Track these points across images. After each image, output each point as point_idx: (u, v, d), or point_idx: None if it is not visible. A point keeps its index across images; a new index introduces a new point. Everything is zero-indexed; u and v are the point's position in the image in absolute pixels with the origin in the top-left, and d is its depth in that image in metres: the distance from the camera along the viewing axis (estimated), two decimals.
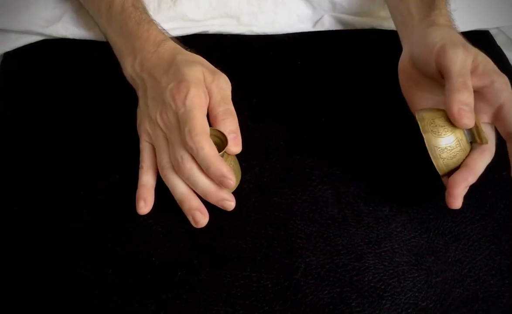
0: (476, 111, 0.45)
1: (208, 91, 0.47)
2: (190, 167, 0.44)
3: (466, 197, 0.50)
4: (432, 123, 0.47)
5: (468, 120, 0.44)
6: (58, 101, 0.56)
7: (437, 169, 0.46)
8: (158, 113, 0.47)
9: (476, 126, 0.45)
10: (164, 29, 0.53)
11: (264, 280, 0.44)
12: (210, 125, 0.46)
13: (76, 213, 0.47)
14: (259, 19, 0.64)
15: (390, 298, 0.43)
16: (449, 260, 0.46)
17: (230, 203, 0.46)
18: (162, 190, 0.49)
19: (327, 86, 0.59)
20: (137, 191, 0.47)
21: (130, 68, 0.51)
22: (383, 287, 0.44)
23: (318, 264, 0.45)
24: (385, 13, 0.65)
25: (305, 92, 0.59)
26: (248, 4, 0.63)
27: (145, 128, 0.48)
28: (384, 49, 0.63)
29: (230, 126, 0.47)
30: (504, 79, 0.45)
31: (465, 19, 0.66)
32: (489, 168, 0.53)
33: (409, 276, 0.45)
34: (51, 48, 0.60)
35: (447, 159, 0.46)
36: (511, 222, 0.49)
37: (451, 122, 0.45)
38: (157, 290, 0.43)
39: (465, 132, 0.46)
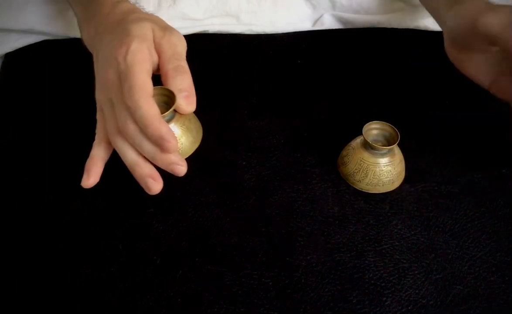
0: None
1: (158, 48, 0.43)
2: (134, 128, 0.41)
3: (465, 195, 0.50)
4: (341, 157, 0.51)
5: None
6: (58, 101, 0.56)
7: (366, 191, 0.49)
8: (102, 74, 0.43)
9: (366, 137, 0.48)
10: None
11: (265, 278, 0.44)
12: (162, 84, 0.43)
13: (77, 212, 0.47)
14: (259, 18, 0.64)
15: (390, 295, 0.43)
16: (449, 257, 0.46)
17: (180, 168, 0.42)
18: (162, 190, 0.49)
19: (327, 85, 0.59)
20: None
21: (86, 34, 0.48)
22: (383, 284, 0.44)
23: (318, 262, 0.45)
24: (384, 11, 0.65)
25: (305, 91, 0.59)
26: (248, 2, 0.63)
27: (96, 96, 0.45)
28: (384, 47, 0.63)
29: (181, 83, 0.43)
30: None
31: None
32: (489, 165, 0.53)
33: (410, 273, 0.45)
34: (52, 48, 0.61)
35: (364, 179, 0.49)
36: (511, 219, 0.49)
37: (355, 147, 0.49)
38: (158, 288, 0.43)
39: (368, 147, 0.49)
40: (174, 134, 0.40)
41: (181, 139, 0.45)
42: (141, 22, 0.43)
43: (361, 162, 0.48)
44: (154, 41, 0.43)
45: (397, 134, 0.49)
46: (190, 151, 0.44)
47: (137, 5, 0.49)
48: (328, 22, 0.65)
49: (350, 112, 0.57)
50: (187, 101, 0.43)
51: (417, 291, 0.44)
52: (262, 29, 0.64)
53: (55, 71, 0.59)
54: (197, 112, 0.47)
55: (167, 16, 0.60)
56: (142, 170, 0.42)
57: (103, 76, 0.43)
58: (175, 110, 0.43)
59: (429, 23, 0.66)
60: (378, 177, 0.49)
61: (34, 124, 0.54)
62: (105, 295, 0.42)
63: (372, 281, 0.44)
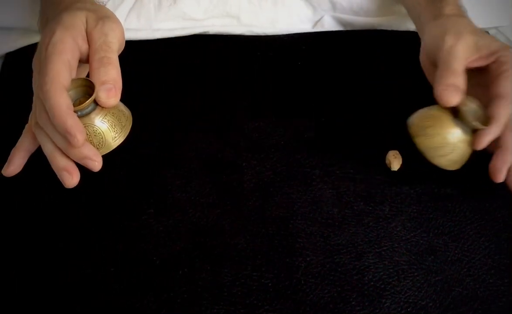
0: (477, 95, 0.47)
1: (88, 38, 0.42)
2: (46, 119, 0.40)
3: (465, 197, 0.51)
4: (421, 127, 0.48)
5: (450, 98, 0.45)
6: None
7: (443, 167, 0.46)
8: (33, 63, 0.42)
9: (462, 112, 0.46)
10: None
11: (264, 279, 0.44)
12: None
13: (77, 212, 0.47)
14: (259, 19, 0.64)
15: (390, 297, 0.44)
16: (449, 259, 0.46)
17: (93, 163, 0.41)
18: (162, 190, 0.49)
19: (327, 86, 0.59)
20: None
21: (39, 24, 0.47)
22: (383, 286, 0.44)
23: (318, 263, 0.45)
24: (384, 13, 0.65)
25: (305, 92, 0.59)
26: (248, 3, 0.63)
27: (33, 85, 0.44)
28: (384, 49, 0.63)
29: (105, 75, 0.41)
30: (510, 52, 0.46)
31: None
32: (488, 167, 0.53)
33: (409, 275, 0.45)
34: None
35: (449, 154, 0.47)
36: (510, 221, 0.49)
37: (441, 119, 0.46)
38: (158, 289, 0.43)
39: (458, 122, 0.47)
40: (82, 128, 0.39)
41: (101, 133, 0.43)
42: (74, 11, 0.42)
43: (450, 137, 0.46)
44: (86, 31, 0.42)
45: (484, 113, 0.46)
46: (112, 146, 0.43)
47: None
48: (328, 24, 0.65)
49: (350, 113, 0.57)
50: (108, 94, 0.41)
51: (416, 293, 0.44)
52: (262, 30, 0.64)
53: None
54: (198, 112, 0.47)
55: (168, 16, 0.61)
56: (57, 163, 0.41)
57: (32, 65, 0.42)
58: (96, 103, 0.42)
59: None
60: (461, 156, 0.48)
61: None
62: (104, 296, 0.42)
63: (372, 283, 0.44)
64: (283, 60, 0.62)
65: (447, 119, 0.47)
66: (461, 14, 0.52)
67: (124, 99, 0.56)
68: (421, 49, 0.53)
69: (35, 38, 0.61)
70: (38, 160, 0.51)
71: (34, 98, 0.43)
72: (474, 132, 0.47)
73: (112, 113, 0.43)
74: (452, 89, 0.45)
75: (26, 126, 0.44)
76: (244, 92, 0.58)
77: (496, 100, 0.46)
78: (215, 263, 0.45)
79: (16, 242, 0.46)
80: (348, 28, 0.66)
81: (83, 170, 0.50)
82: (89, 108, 0.41)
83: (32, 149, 0.44)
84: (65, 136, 0.39)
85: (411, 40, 0.63)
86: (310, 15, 0.65)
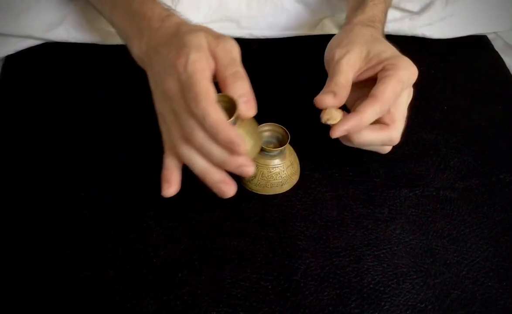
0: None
1: (214, 56, 0.44)
2: (202, 136, 0.41)
3: (464, 200, 0.51)
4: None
5: (323, 100, 0.47)
6: (59, 103, 0.56)
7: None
8: (161, 86, 0.44)
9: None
10: (168, 6, 0.50)
11: (264, 281, 0.44)
12: (219, 91, 0.43)
13: (77, 214, 0.47)
14: (259, 23, 0.64)
15: (389, 299, 0.44)
16: (448, 262, 0.46)
17: (248, 169, 0.42)
18: (160, 191, 0.49)
19: None
20: (161, 174, 0.44)
21: (137, 49, 0.49)
22: (382, 288, 0.44)
23: (317, 266, 0.45)
24: None
25: (304, 95, 0.59)
26: (248, 7, 0.64)
27: (157, 108, 0.45)
28: None
29: (241, 89, 0.43)
30: (398, 60, 0.47)
31: (463, 24, 0.67)
32: (487, 170, 0.53)
33: (408, 278, 0.45)
34: (53, 51, 0.61)
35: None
36: (509, 224, 0.49)
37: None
38: (158, 291, 0.43)
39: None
40: (242, 137, 0.41)
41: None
42: (195, 33, 0.44)
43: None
44: (209, 49, 0.44)
45: (288, 136, 0.48)
46: (252, 155, 0.45)
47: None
48: (328, 27, 0.66)
49: None
50: (247, 106, 0.43)
51: (415, 296, 0.44)
52: (261, 34, 0.64)
53: (55, 74, 0.59)
54: None
55: None
56: (214, 177, 0.43)
57: (163, 87, 0.43)
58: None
59: (426, 31, 0.67)
60: (266, 179, 0.49)
61: (34, 125, 0.54)
62: (104, 297, 0.43)
63: (371, 285, 0.44)
64: (283, 63, 0.62)
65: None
66: (369, 23, 0.53)
67: (125, 102, 0.56)
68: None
69: (35, 41, 0.61)
70: (38, 163, 0.51)
71: (168, 119, 0.44)
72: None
73: (249, 123, 0.45)
74: (327, 92, 0.46)
75: (166, 148, 0.45)
76: None
77: (367, 99, 0.46)
78: (215, 266, 0.45)
79: (17, 244, 0.46)
80: None
81: (83, 173, 0.51)
82: (233, 121, 0.43)
83: (181, 166, 0.45)
84: (230, 147, 0.40)
85: (408, 45, 0.63)
86: (309, 19, 0.66)
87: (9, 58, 0.62)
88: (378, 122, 0.47)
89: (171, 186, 0.43)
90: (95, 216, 0.47)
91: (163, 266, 0.44)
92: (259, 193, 0.49)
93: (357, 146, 0.49)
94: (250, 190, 0.50)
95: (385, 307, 0.43)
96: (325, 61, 0.52)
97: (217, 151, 0.42)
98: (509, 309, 0.44)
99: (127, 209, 0.48)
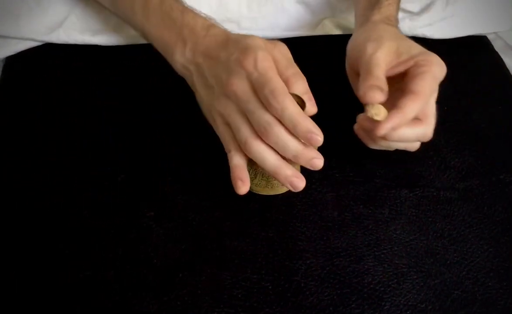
0: None
1: (272, 58, 0.46)
2: (278, 130, 0.43)
3: (464, 201, 0.51)
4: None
5: (374, 95, 0.46)
6: (59, 104, 0.57)
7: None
8: (225, 88, 0.45)
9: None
10: (207, 15, 0.52)
11: (264, 282, 0.44)
12: None
13: (77, 215, 0.47)
14: (259, 24, 0.64)
15: (389, 300, 0.44)
16: (448, 262, 0.46)
17: (320, 161, 0.44)
18: (162, 193, 0.49)
19: (327, 90, 0.60)
20: (231, 174, 0.45)
21: (180, 57, 0.50)
22: (382, 289, 0.44)
23: (318, 266, 0.45)
24: None
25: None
26: (248, 8, 0.64)
27: (217, 110, 0.47)
28: None
29: (303, 87, 0.46)
30: (430, 56, 0.48)
31: (463, 25, 0.67)
32: (487, 171, 0.53)
33: (408, 278, 0.45)
34: (53, 52, 0.61)
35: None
36: (509, 225, 0.49)
37: None
38: (158, 292, 0.43)
39: None
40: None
41: None
42: (252, 37, 0.46)
43: (252, 162, 0.47)
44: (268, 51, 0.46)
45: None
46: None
47: None
48: (328, 28, 0.66)
49: (349, 117, 0.57)
50: (311, 102, 0.46)
51: (416, 296, 0.44)
52: (262, 34, 0.64)
53: (55, 75, 0.59)
54: (198, 115, 0.48)
55: None
56: (286, 172, 0.44)
57: (227, 89, 0.45)
58: None
59: (427, 31, 0.67)
60: (267, 179, 0.49)
61: (34, 126, 0.54)
62: (104, 298, 0.43)
63: (371, 286, 0.44)
64: None
65: None
66: (388, 22, 0.53)
67: (125, 101, 0.56)
68: (346, 58, 0.54)
69: (35, 43, 0.61)
70: (38, 163, 0.51)
71: (234, 120, 0.45)
72: None
73: None
74: (375, 88, 0.46)
75: (232, 148, 0.46)
76: None
77: (406, 95, 0.46)
78: (215, 266, 0.45)
79: (17, 244, 0.46)
80: (348, 32, 0.66)
81: (83, 173, 0.51)
82: None
83: (246, 164, 0.46)
84: (309, 137, 0.42)
85: None
86: (309, 20, 0.66)
87: (9, 59, 0.62)
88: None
89: (245, 183, 0.45)
90: (95, 216, 0.47)
91: (164, 266, 0.44)
92: (259, 193, 0.49)
93: (387, 146, 0.49)
94: (250, 190, 0.50)
95: (386, 307, 0.43)
96: (350, 58, 0.53)
97: (293, 144, 0.43)
98: (510, 309, 0.44)
99: (127, 209, 0.48)
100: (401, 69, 0.48)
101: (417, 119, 0.47)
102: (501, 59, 0.68)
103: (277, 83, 0.43)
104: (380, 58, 0.48)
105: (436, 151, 0.55)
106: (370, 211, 0.49)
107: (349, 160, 0.53)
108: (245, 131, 0.44)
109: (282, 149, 0.43)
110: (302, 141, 0.43)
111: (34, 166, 0.51)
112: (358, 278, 0.45)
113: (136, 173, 0.50)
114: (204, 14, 0.52)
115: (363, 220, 0.48)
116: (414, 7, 0.66)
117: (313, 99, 0.46)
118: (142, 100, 0.56)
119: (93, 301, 0.42)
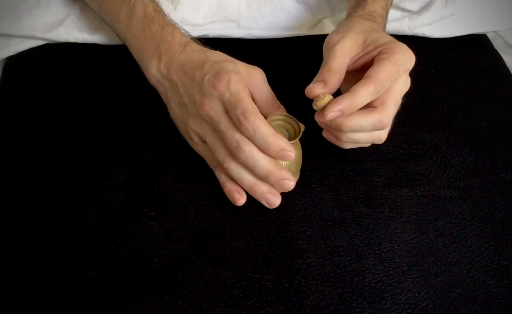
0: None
1: (247, 83, 0.47)
2: (249, 149, 0.44)
3: (464, 199, 0.51)
4: None
5: (311, 89, 0.46)
6: (60, 105, 0.56)
7: None
8: (199, 108, 0.46)
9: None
10: (187, 32, 0.53)
11: (265, 281, 0.44)
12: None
13: (79, 215, 0.47)
14: (258, 23, 0.64)
15: (390, 298, 0.44)
16: (448, 261, 0.46)
17: (290, 183, 0.46)
18: (162, 193, 0.49)
19: None
20: (224, 189, 0.48)
21: (155, 70, 0.50)
22: (383, 287, 0.44)
23: (318, 265, 0.45)
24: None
25: (304, 96, 0.59)
26: (248, 8, 0.64)
27: (192, 128, 0.48)
28: None
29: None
30: (394, 44, 0.47)
31: (462, 23, 0.67)
32: (487, 169, 0.54)
33: (409, 276, 0.45)
34: (54, 52, 0.61)
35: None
36: (510, 223, 0.49)
37: None
38: (159, 291, 0.43)
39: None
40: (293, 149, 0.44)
41: (297, 161, 0.49)
42: (229, 61, 0.47)
43: None
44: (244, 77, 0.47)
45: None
46: (297, 176, 0.49)
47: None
48: (328, 27, 0.66)
49: None
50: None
51: (416, 295, 0.44)
52: (261, 34, 0.64)
53: (56, 75, 0.59)
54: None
55: None
56: (261, 189, 0.46)
57: (200, 110, 0.46)
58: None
59: (426, 30, 0.67)
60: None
61: (35, 127, 0.54)
62: (105, 298, 0.43)
63: (372, 285, 0.44)
64: (283, 63, 0.62)
65: None
66: (368, 17, 0.53)
67: (125, 101, 0.56)
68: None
69: (36, 43, 0.61)
70: (38, 163, 0.51)
71: (209, 138, 0.47)
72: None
73: (298, 149, 0.48)
74: (316, 82, 0.46)
75: (214, 168, 0.49)
76: None
77: (361, 80, 0.45)
78: (216, 265, 0.45)
79: (17, 244, 0.46)
80: None
81: (83, 173, 0.51)
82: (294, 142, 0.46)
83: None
84: (281, 154, 0.44)
85: (408, 44, 0.63)
86: (309, 19, 0.66)
87: (10, 59, 0.62)
88: (368, 106, 0.46)
89: (242, 195, 0.47)
90: (96, 216, 0.47)
91: (164, 266, 0.44)
92: None
93: (346, 140, 0.48)
94: None
95: (386, 306, 0.43)
96: (323, 52, 0.52)
97: (264, 163, 0.44)
98: (510, 307, 0.44)
99: (127, 209, 0.48)
100: (367, 59, 0.48)
101: (373, 107, 0.46)
102: (501, 58, 0.68)
103: (248, 104, 0.43)
104: (338, 49, 0.47)
105: (436, 150, 0.55)
106: (370, 210, 0.49)
107: (349, 160, 0.53)
108: (221, 151, 0.46)
109: (252, 167, 0.45)
110: (274, 160, 0.45)
111: (34, 166, 0.51)
112: (358, 277, 0.45)
113: (136, 173, 0.50)
114: (184, 30, 0.53)
115: (363, 219, 0.48)
116: (414, 6, 0.66)
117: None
118: (142, 99, 0.56)
119: (94, 300, 0.42)
